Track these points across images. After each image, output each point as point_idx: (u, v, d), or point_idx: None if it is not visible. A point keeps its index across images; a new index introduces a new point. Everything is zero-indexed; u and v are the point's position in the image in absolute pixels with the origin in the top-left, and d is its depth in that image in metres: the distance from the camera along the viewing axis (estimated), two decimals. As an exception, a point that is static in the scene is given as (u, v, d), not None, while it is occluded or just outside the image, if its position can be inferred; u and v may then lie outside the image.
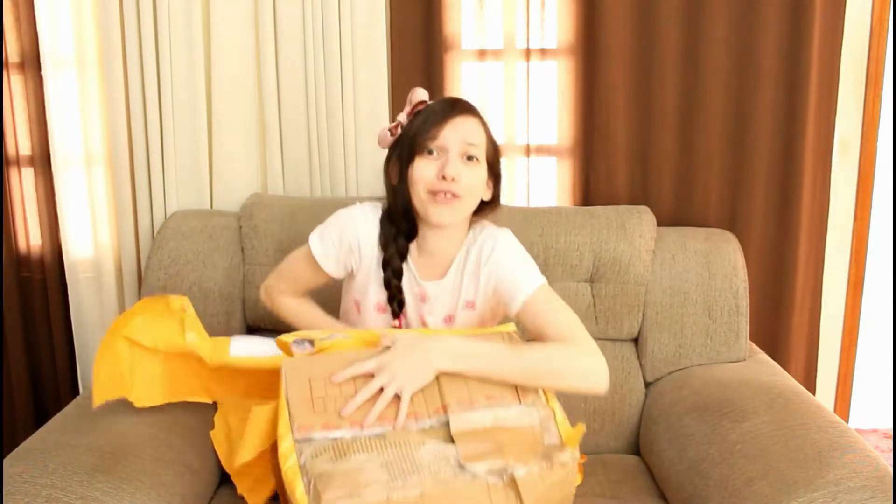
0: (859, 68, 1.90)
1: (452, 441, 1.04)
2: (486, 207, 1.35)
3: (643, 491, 1.48)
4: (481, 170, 1.29)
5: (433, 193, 1.25)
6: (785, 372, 1.61)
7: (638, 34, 1.82)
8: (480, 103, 1.89)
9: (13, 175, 1.94)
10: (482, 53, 1.89)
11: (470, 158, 1.26)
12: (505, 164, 1.92)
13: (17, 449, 1.25)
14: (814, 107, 1.83)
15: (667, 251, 1.71)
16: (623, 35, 1.81)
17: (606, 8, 1.79)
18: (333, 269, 1.36)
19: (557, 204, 1.94)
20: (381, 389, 1.08)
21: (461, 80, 1.89)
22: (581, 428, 1.07)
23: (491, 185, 1.35)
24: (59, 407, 1.49)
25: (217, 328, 1.71)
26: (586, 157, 1.89)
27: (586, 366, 1.17)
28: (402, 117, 1.33)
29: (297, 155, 1.89)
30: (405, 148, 1.28)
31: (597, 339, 1.69)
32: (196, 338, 1.29)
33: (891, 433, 2.27)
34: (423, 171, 1.25)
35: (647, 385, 1.70)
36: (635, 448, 1.67)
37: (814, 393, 1.97)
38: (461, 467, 1.00)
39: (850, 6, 1.83)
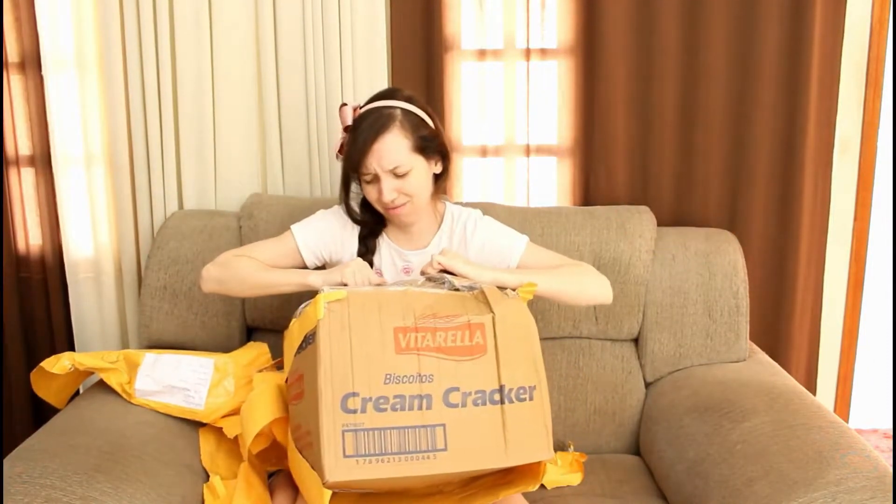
0: (859, 68, 1.90)
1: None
2: (441, 177, 1.42)
3: (643, 491, 1.48)
4: (416, 171, 1.35)
5: (386, 208, 1.37)
6: (785, 372, 1.61)
7: (638, 34, 1.82)
8: (480, 103, 1.91)
9: (13, 175, 1.94)
10: (482, 53, 1.89)
11: (399, 175, 1.33)
12: (504, 164, 1.93)
13: (17, 449, 1.25)
14: (814, 107, 1.83)
15: (667, 251, 1.71)
16: (623, 35, 1.81)
17: (606, 8, 1.79)
18: (309, 257, 1.44)
19: (557, 204, 1.94)
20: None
21: (461, 80, 1.89)
22: (533, 285, 1.23)
23: (439, 160, 1.40)
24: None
25: (217, 328, 1.71)
26: (586, 157, 1.89)
27: (601, 279, 1.41)
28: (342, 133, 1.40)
29: (297, 155, 1.89)
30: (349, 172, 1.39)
31: (597, 339, 1.71)
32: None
33: (891, 433, 2.27)
34: (369, 194, 1.38)
35: (648, 385, 1.70)
36: (635, 448, 1.67)
37: (814, 393, 1.97)
38: (442, 284, 1.20)
39: (850, 6, 1.83)
